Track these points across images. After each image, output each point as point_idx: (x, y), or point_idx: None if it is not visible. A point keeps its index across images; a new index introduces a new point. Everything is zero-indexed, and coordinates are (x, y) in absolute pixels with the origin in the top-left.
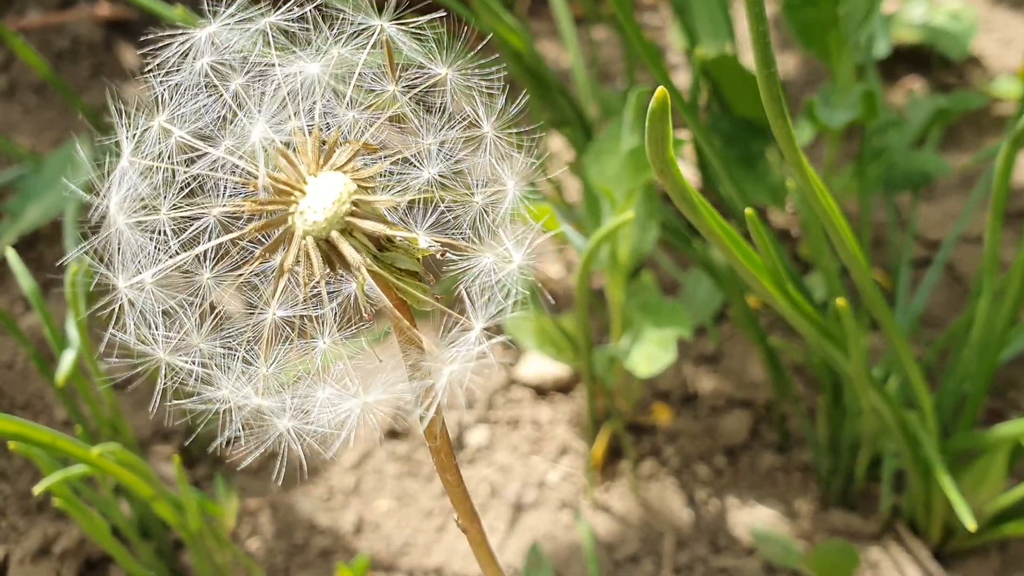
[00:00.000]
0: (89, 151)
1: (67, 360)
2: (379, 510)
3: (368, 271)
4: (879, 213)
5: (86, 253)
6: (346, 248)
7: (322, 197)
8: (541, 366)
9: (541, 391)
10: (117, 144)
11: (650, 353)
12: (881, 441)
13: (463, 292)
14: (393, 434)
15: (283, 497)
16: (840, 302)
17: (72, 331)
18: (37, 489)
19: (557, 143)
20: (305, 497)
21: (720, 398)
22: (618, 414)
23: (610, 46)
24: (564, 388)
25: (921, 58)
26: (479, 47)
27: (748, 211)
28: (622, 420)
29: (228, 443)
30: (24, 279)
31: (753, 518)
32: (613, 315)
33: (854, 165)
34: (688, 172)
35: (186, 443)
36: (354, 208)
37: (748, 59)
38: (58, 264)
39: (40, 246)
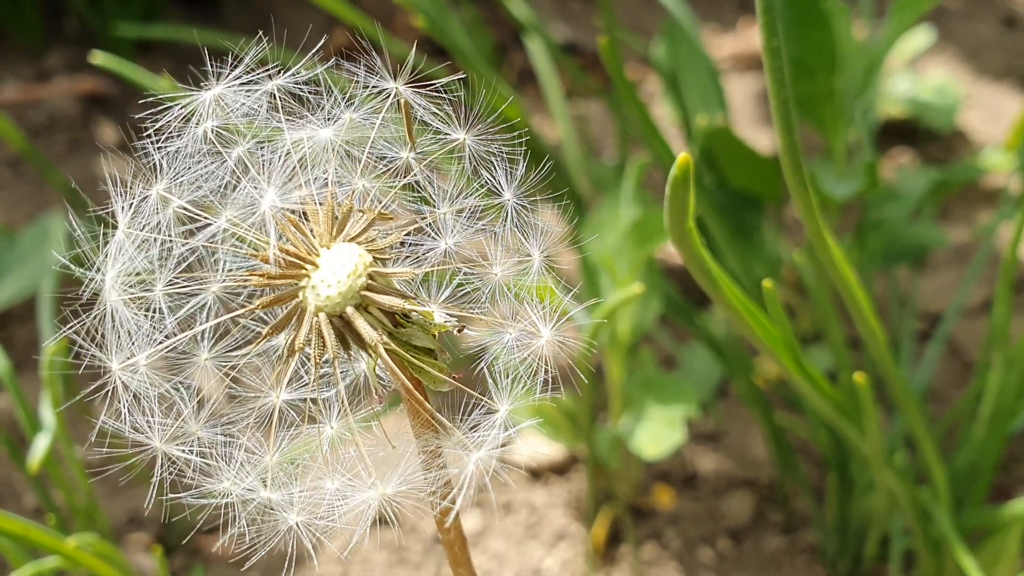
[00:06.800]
0: (63, 227)
1: (41, 445)
2: None
3: (385, 349)
4: (875, 286)
5: (75, 332)
6: (362, 325)
7: (336, 270)
8: (535, 448)
9: (535, 474)
10: (112, 215)
11: (656, 433)
12: (890, 520)
13: (485, 371)
14: (381, 522)
15: None
16: (858, 377)
17: (47, 415)
18: None
19: (547, 217)
20: None
21: (722, 478)
22: (618, 496)
23: (596, 122)
24: (559, 470)
25: (907, 132)
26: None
27: (766, 283)
28: (622, 502)
29: (231, 539)
30: None
31: None
32: (612, 393)
33: (853, 237)
34: None
35: (162, 532)
36: (370, 282)
37: (739, 130)
38: (44, 343)
39: (11, 326)
